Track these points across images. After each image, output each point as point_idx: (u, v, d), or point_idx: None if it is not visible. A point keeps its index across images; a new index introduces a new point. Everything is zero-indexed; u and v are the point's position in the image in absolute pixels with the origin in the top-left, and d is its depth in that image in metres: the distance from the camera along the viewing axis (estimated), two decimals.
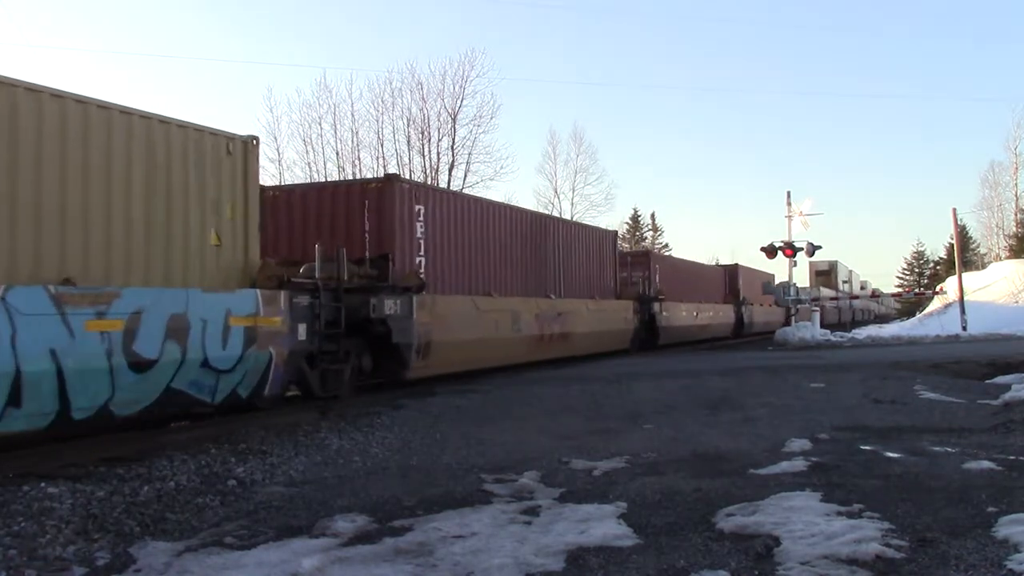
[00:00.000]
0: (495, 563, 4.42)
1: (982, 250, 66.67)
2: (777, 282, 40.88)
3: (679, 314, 28.20)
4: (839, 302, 52.65)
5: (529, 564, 4.41)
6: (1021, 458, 6.89)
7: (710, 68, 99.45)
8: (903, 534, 4.71)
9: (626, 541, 4.78)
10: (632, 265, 26.25)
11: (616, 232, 25.39)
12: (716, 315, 32.89)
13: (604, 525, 5.08)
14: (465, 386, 13.85)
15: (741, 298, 36.40)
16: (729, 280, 36.24)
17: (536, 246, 18.60)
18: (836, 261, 57.54)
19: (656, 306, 26.03)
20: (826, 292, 50.68)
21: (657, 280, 26.79)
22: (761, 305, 39.47)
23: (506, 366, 16.44)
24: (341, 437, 8.72)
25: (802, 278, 48.78)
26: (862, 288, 73.03)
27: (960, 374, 15.23)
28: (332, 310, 11.27)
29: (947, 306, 39.60)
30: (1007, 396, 10.61)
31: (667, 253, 51.19)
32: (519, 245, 17.70)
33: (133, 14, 71.35)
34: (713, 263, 54.15)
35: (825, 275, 55.87)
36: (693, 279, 31.25)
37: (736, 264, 38.32)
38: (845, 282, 67.61)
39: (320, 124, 39.98)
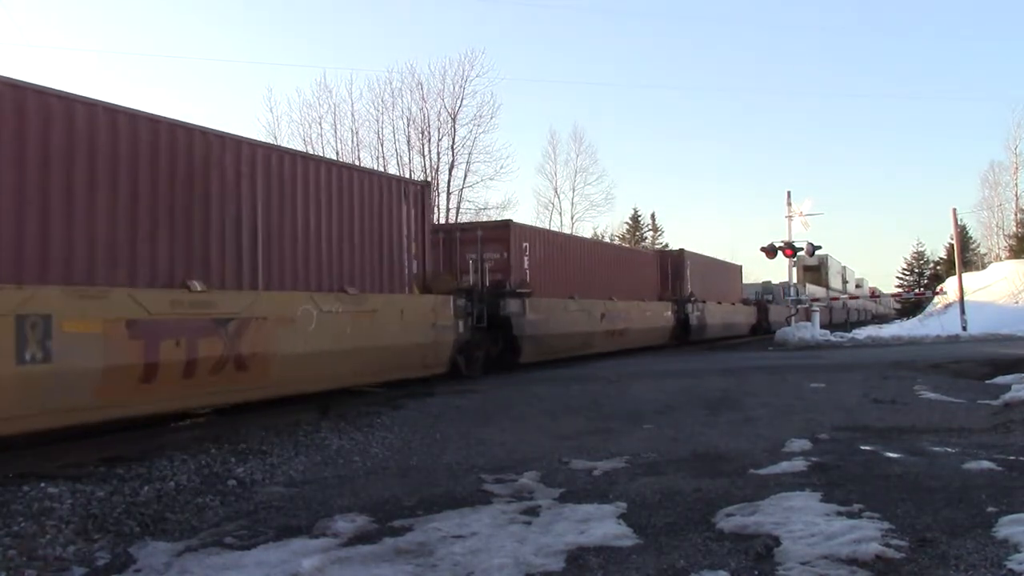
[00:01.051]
0: (495, 563, 4.42)
1: (982, 250, 66.70)
2: (750, 279, 38.94)
3: (561, 316, 19.47)
4: (830, 302, 47.60)
5: (529, 564, 4.41)
6: (1021, 458, 6.89)
7: (710, 68, 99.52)
8: (903, 534, 4.71)
9: (626, 541, 4.78)
10: (485, 243, 17.63)
11: (425, 183, 15.30)
12: (639, 316, 24.54)
13: (604, 525, 5.08)
14: (464, 386, 13.85)
15: (687, 294, 28.77)
16: (672, 270, 28.48)
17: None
18: (826, 255, 52.33)
19: (514, 304, 17.15)
20: (815, 290, 46.64)
21: (526, 265, 18.43)
22: (720, 303, 32.44)
23: None
24: (341, 437, 8.72)
25: (763, 267, 46.89)
26: (858, 286, 70.70)
27: (960, 374, 15.23)
28: None
29: (947, 306, 39.60)
30: (1007, 396, 10.61)
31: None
32: None
33: (133, 14, 71.42)
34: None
35: (814, 271, 50.41)
36: (596, 268, 22.67)
37: (682, 251, 30.25)
38: (847, 282, 66.20)
39: (320, 124, 40.07)
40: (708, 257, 33.72)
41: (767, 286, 45.16)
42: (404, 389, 13.09)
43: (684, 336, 28.51)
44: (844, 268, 63.16)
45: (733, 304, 35.22)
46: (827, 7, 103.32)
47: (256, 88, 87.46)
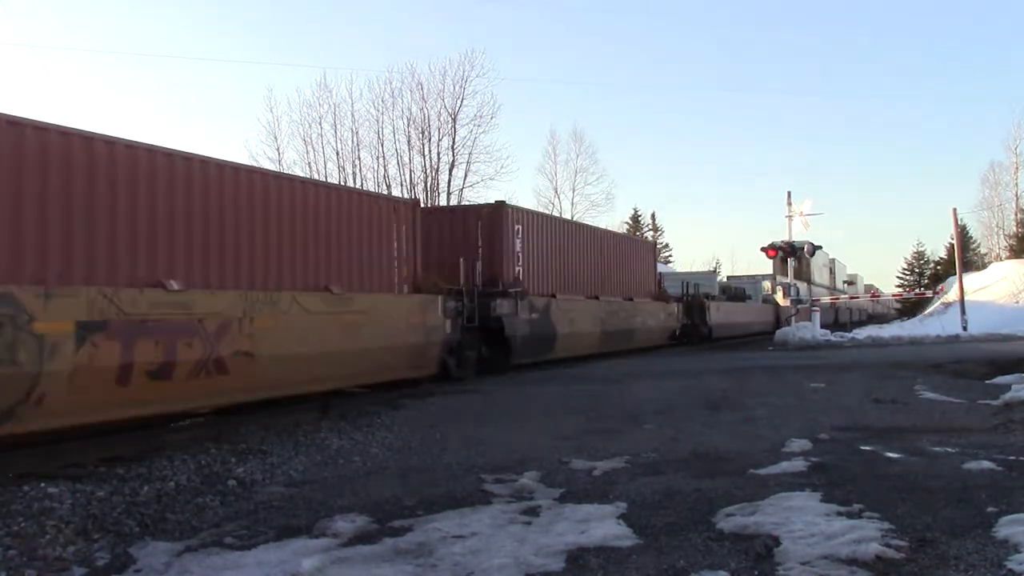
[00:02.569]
0: (495, 563, 4.42)
1: (982, 250, 66.67)
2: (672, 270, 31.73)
3: None
4: (812, 300, 35.65)
5: (529, 564, 4.40)
6: (1021, 458, 6.89)
7: (710, 68, 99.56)
8: (903, 534, 4.71)
9: (626, 541, 4.78)
10: None
11: None
12: (309, 330, 10.96)
13: (604, 525, 5.08)
14: (464, 386, 13.85)
15: (507, 283, 16.51)
16: (484, 240, 16.41)
17: None
18: (808, 243, 42.80)
19: None
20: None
21: None
22: (597, 298, 20.82)
23: None
24: (341, 437, 8.72)
25: (764, 266, 39.34)
26: (851, 283, 67.34)
27: (960, 374, 15.23)
28: None
29: (947, 306, 39.58)
30: (1007, 396, 10.61)
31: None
32: None
33: (133, 14, 71.41)
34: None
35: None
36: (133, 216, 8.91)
37: (500, 206, 17.07)
38: (846, 281, 63.76)
39: (320, 124, 40.04)
40: (569, 222, 21.59)
41: (710, 277, 37.70)
42: (403, 389, 13.05)
43: (499, 357, 16.27)
44: (833, 261, 56.08)
45: (631, 300, 23.11)
46: (828, 7, 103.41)
47: (256, 88, 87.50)
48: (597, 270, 21.61)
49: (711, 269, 42.97)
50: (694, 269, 45.28)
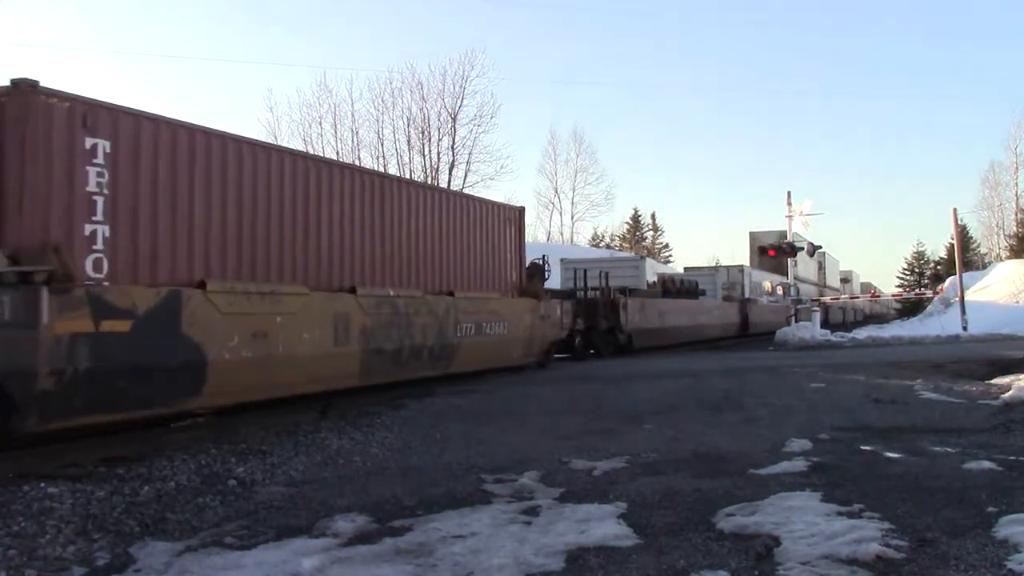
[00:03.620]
0: (495, 563, 4.42)
1: (982, 250, 66.77)
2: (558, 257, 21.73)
3: None
4: (795, 298, 31.92)
5: (529, 564, 4.41)
6: (1021, 458, 6.90)
7: (711, 68, 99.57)
8: (903, 534, 4.71)
9: (626, 541, 4.78)
10: None
11: None
12: None
13: (604, 525, 5.08)
14: (465, 386, 13.84)
15: (23, 259, 7.14)
16: None
17: None
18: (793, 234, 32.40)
19: None
20: (772, 281, 35.38)
21: None
22: (355, 292, 11.27)
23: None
24: (341, 437, 8.71)
25: (741, 256, 39.18)
26: (845, 280, 61.96)
27: (960, 374, 15.23)
28: None
29: (947, 306, 39.59)
30: (1007, 396, 10.62)
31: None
32: None
33: (134, 14, 71.43)
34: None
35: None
36: None
37: (28, 88, 7.24)
38: (841, 279, 62.03)
39: (320, 124, 40.19)
40: (275, 148, 11.36)
41: (632, 264, 27.62)
42: (404, 389, 13.06)
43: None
44: (823, 255, 49.50)
45: (451, 295, 13.86)
46: (828, 7, 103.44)
47: (256, 88, 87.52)
48: (361, 244, 11.95)
49: (637, 255, 33.02)
50: (696, 267, 39.63)
